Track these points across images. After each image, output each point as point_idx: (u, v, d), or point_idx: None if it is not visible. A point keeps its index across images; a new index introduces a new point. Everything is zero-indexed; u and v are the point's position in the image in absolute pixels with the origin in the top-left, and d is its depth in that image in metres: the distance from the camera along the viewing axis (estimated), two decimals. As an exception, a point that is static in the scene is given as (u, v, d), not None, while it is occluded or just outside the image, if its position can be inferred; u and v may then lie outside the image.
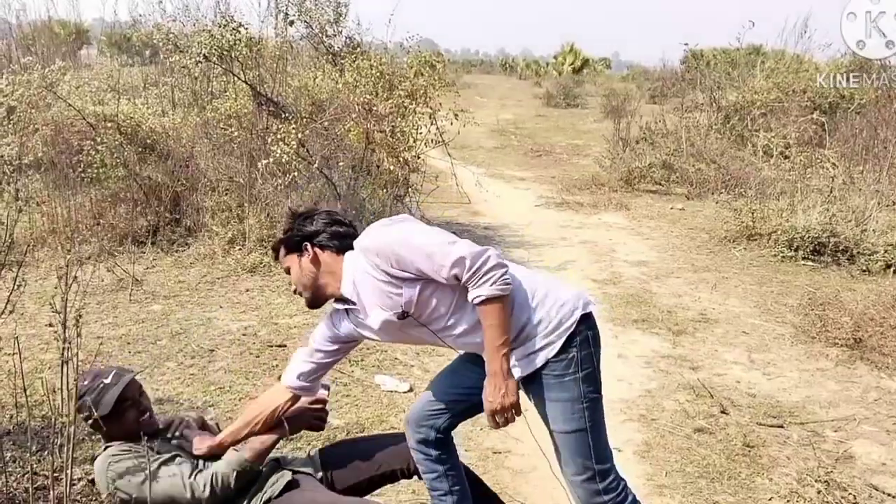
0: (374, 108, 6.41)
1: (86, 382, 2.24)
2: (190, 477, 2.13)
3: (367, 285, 2.08)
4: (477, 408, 2.30)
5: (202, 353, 4.32)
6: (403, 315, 2.06)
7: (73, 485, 2.74)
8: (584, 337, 2.06)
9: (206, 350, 4.36)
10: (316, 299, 2.22)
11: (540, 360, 2.04)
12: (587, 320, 2.09)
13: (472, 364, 2.27)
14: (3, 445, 2.94)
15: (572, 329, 2.04)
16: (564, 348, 2.03)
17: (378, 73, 6.73)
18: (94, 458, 2.86)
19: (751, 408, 3.90)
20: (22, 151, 6.85)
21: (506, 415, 2.02)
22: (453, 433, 2.37)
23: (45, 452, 2.92)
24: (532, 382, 2.08)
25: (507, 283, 1.96)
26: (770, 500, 3.05)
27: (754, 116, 11.28)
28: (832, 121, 10.51)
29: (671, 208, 9.21)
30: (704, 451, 3.42)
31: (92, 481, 2.83)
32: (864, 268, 6.44)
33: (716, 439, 3.54)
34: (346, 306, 2.18)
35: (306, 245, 2.17)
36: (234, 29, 7.32)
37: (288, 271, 2.25)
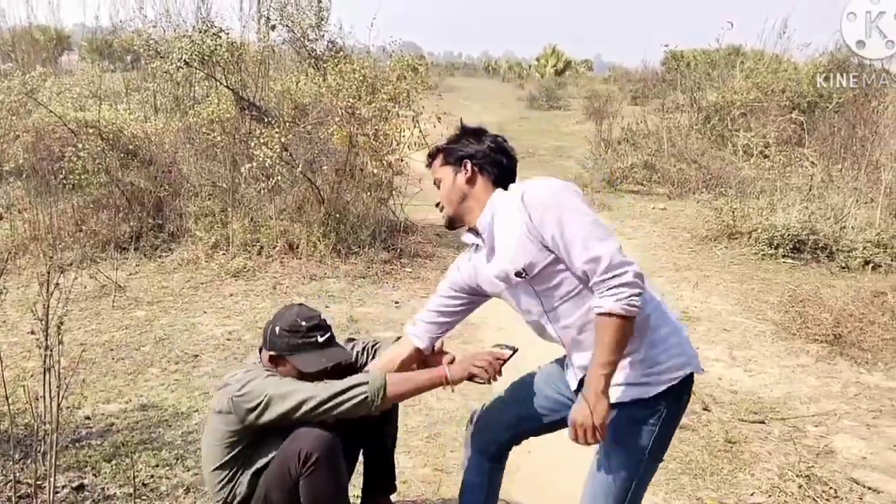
0: (357, 112, 6.42)
1: (304, 323, 2.25)
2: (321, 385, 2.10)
3: (505, 228, 1.98)
4: (546, 429, 2.26)
5: (186, 358, 4.30)
6: (521, 274, 1.95)
7: (57, 492, 2.74)
8: (679, 395, 1.96)
9: (191, 355, 4.34)
10: (456, 219, 2.14)
11: (628, 396, 1.93)
12: (688, 382, 1.98)
13: (553, 382, 2.21)
14: (-14, 454, 2.93)
15: (674, 384, 1.93)
16: (657, 398, 1.92)
17: (361, 77, 6.74)
18: (78, 464, 2.86)
19: (732, 404, 3.94)
20: (2, 158, 6.82)
21: (586, 436, 1.87)
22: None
23: (29, 461, 2.90)
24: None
25: (635, 306, 1.80)
26: (752, 495, 3.09)
27: (734, 116, 11.40)
28: (811, 120, 10.64)
29: (653, 208, 9.28)
30: (687, 447, 3.46)
31: (76, 488, 2.83)
32: (844, 265, 6.53)
33: (698, 436, 3.58)
34: (475, 241, 2.12)
35: (467, 162, 2.08)
36: (214, 34, 7.31)
37: (437, 184, 2.15)
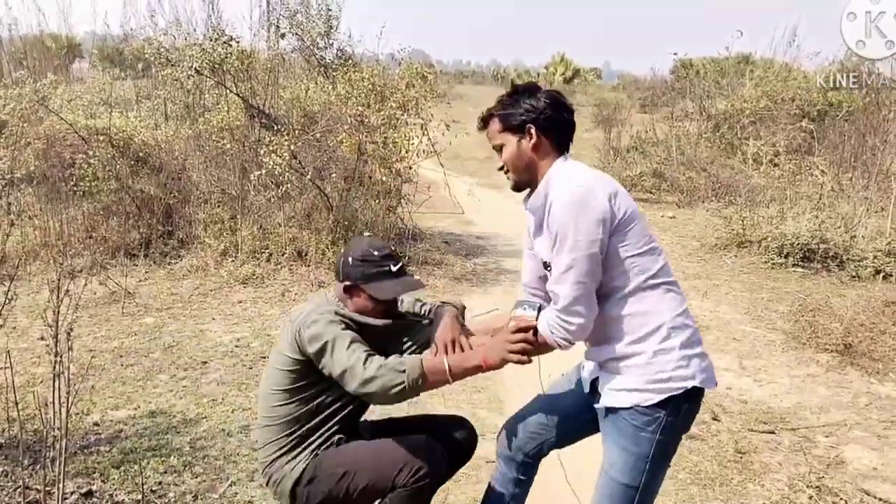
0: (366, 120, 6.44)
1: (376, 253, 2.22)
2: (365, 357, 2.03)
3: (551, 215, 1.95)
4: (571, 436, 2.25)
5: (195, 365, 4.31)
6: (546, 265, 2.02)
7: (66, 498, 2.74)
8: (679, 406, 1.94)
9: (199, 362, 4.35)
10: (524, 185, 2.08)
11: (628, 402, 1.94)
12: (693, 395, 1.97)
13: (572, 388, 2.22)
14: (-5, 460, 2.94)
15: (675, 394, 1.92)
16: (657, 405, 1.92)
17: (370, 85, 6.76)
18: (91, 470, 2.86)
19: (742, 414, 3.92)
20: (14, 165, 6.85)
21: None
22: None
23: (38, 466, 2.91)
24: (611, 416, 2.00)
25: (559, 343, 1.95)
26: (762, 505, 3.07)
27: (744, 125, 11.38)
28: (821, 128, 10.60)
29: (662, 216, 9.25)
30: (696, 457, 3.44)
31: (85, 494, 2.84)
32: (854, 274, 6.49)
33: (707, 446, 3.56)
34: (529, 211, 2.09)
35: (530, 128, 2.00)
36: (225, 42, 7.36)
37: (498, 149, 2.08)
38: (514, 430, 2.29)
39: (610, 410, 1.99)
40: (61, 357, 2.17)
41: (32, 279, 5.76)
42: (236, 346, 4.62)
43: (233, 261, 6.23)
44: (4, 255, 5.66)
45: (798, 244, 6.75)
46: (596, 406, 2.06)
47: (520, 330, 2.03)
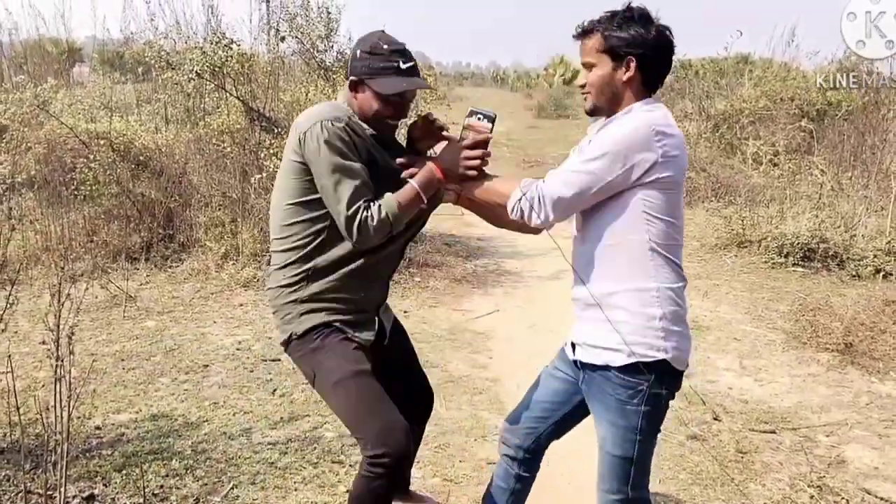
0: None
1: (385, 46, 2.11)
2: (360, 208, 1.99)
3: (610, 131, 1.93)
4: (567, 423, 2.26)
5: (196, 368, 4.32)
6: None
7: (68, 502, 2.75)
8: (661, 377, 1.97)
9: (201, 365, 4.36)
10: (600, 112, 2.01)
11: (602, 360, 1.97)
12: (675, 377, 2.01)
13: (558, 370, 2.23)
14: (-2, 464, 2.95)
15: (647, 361, 1.93)
16: (633, 372, 1.93)
17: (369, 88, 6.76)
18: (90, 474, 2.88)
19: (743, 414, 3.93)
20: (15, 170, 6.87)
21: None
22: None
23: (39, 471, 2.92)
24: (594, 389, 2.03)
25: (520, 209, 1.96)
26: (763, 505, 3.07)
27: (743, 125, 11.37)
28: (820, 128, 10.59)
29: (663, 217, 9.24)
30: (697, 457, 3.44)
31: (86, 498, 2.84)
32: (854, 273, 6.49)
33: (709, 446, 3.56)
34: (592, 125, 2.06)
35: (631, 61, 1.90)
36: (225, 45, 7.37)
37: (587, 67, 1.98)
38: (512, 428, 2.32)
39: (586, 367, 2.03)
40: (63, 361, 2.17)
41: (34, 283, 5.76)
42: (238, 350, 4.63)
43: (234, 264, 6.24)
44: (6, 260, 5.67)
45: (798, 244, 6.75)
46: (572, 359, 2.10)
47: (476, 144, 2.03)
